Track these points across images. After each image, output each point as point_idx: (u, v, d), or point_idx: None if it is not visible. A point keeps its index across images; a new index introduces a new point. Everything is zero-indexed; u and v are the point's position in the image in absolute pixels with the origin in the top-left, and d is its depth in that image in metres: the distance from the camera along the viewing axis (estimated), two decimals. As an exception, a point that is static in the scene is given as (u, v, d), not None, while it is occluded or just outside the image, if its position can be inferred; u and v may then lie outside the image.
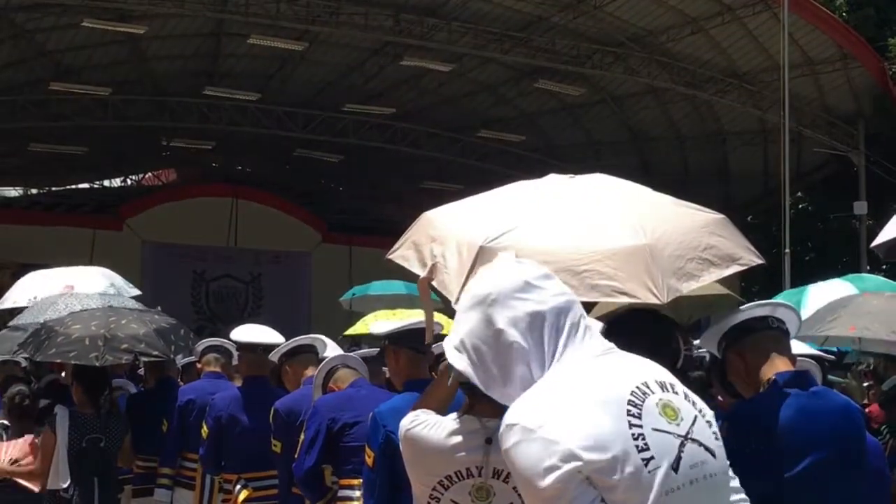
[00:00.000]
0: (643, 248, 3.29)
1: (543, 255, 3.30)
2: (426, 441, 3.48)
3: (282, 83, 28.55)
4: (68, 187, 36.68)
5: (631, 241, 3.33)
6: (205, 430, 7.59)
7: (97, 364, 7.14)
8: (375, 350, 7.14)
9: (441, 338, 6.38)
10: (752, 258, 3.65)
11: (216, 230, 29.99)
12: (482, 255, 3.29)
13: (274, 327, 7.91)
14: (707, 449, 2.54)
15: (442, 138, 31.13)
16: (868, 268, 24.99)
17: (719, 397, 5.43)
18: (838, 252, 31.14)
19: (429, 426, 3.53)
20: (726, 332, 3.82)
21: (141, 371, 10.47)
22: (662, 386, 2.58)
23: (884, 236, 5.56)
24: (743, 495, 2.80)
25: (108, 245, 27.94)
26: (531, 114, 30.52)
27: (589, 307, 4.06)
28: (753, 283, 30.74)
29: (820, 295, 9.51)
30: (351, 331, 12.30)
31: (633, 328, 3.46)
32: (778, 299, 10.02)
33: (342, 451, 5.95)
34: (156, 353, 7.57)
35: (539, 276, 2.71)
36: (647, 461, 2.39)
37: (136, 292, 10.25)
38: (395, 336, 5.37)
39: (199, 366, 9.34)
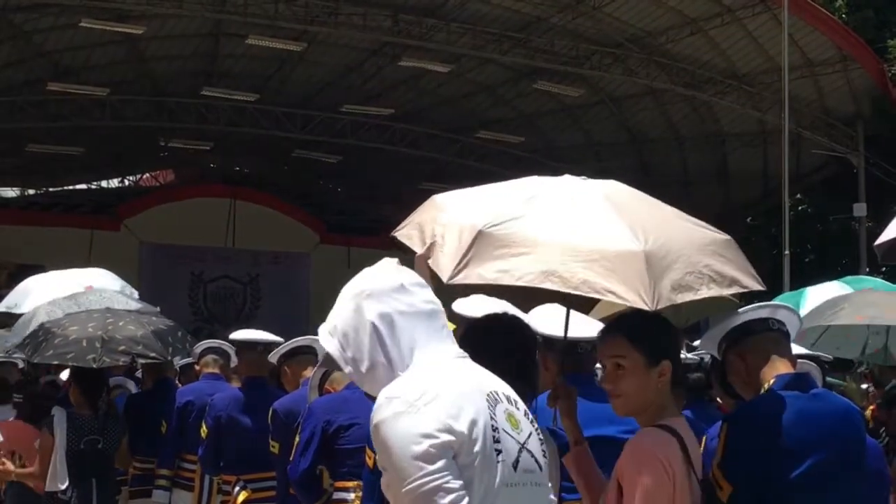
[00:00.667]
0: (639, 254, 3.30)
1: (541, 247, 3.33)
2: None
3: (280, 84, 28.55)
4: (66, 188, 36.66)
5: (629, 246, 3.34)
6: (204, 430, 7.60)
7: (94, 366, 7.13)
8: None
9: None
10: (752, 283, 3.66)
11: (214, 231, 29.98)
12: (480, 239, 3.35)
13: (272, 328, 7.90)
14: (536, 461, 2.89)
15: (441, 139, 31.13)
16: (867, 269, 24.99)
17: (718, 399, 5.44)
18: (838, 253, 31.16)
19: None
20: (727, 333, 3.82)
21: (139, 373, 10.46)
22: (508, 399, 2.93)
23: (886, 235, 5.56)
24: None
25: (106, 245, 27.94)
26: (530, 115, 30.51)
27: (588, 307, 4.06)
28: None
29: (818, 297, 9.54)
30: None
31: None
32: (776, 301, 10.05)
33: (338, 453, 5.94)
34: (153, 354, 7.55)
35: (413, 283, 3.01)
36: (498, 452, 2.75)
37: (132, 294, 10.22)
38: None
39: (197, 367, 9.34)
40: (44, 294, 9.31)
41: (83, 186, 37.35)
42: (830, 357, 9.21)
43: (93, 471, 7.25)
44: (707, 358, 5.33)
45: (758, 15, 23.66)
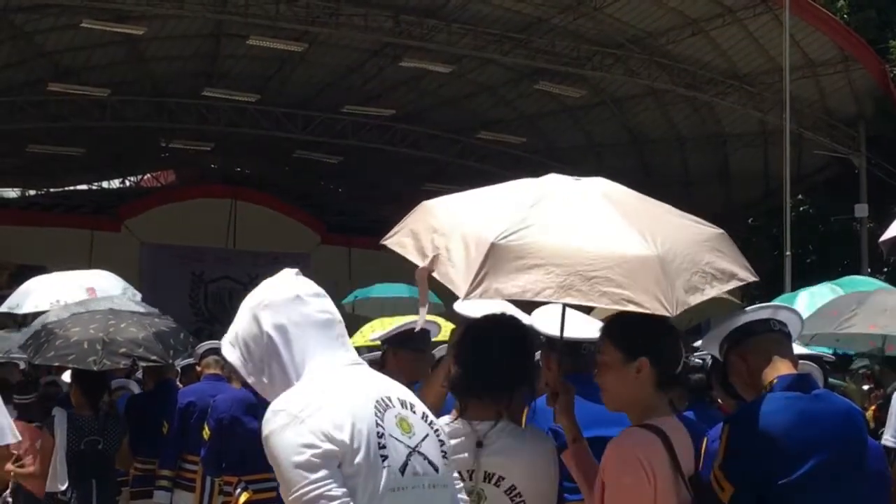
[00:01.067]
0: (654, 259, 3.28)
1: (556, 258, 3.31)
2: None
3: (281, 84, 28.56)
4: (66, 188, 36.69)
5: (641, 251, 3.32)
6: (207, 431, 7.59)
7: (95, 368, 7.13)
8: (377, 354, 7.14)
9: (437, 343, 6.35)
10: (747, 275, 3.68)
11: (215, 231, 30.00)
12: (493, 252, 3.30)
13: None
14: (431, 463, 3.00)
15: (442, 140, 31.13)
16: (869, 270, 25.01)
17: (719, 400, 5.43)
18: (839, 254, 31.16)
19: None
20: (728, 334, 3.82)
21: (138, 374, 10.46)
22: (403, 403, 3.04)
23: (891, 232, 5.56)
24: None
25: (107, 246, 27.97)
26: (531, 115, 30.52)
27: (590, 307, 4.05)
28: (754, 287, 30.73)
29: (807, 301, 9.57)
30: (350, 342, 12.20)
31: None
32: (781, 298, 10.01)
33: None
34: (154, 357, 7.55)
35: (310, 294, 3.19)
36: (384, 458, 2.85)
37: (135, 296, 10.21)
38: (394, 339, 5.38)
39: (198, 368, 9.35)
40: (45, 295, 9.31)
41: (84, 187, 37.36)
42: (833, 357, 9.22)
43: (93, 471, 7.26)
44: (708, 359, 5.33)
45: (759, 15, 23.65)
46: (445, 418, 3.62)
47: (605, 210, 3.57)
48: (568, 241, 3.38)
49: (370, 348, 10.02)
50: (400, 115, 29.51)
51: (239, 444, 7.42)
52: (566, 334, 4.20)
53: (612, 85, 28.03)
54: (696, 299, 3.38)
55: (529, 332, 3.81)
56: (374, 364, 6.94)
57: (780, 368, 3.69)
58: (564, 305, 4.02)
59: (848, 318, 7.52)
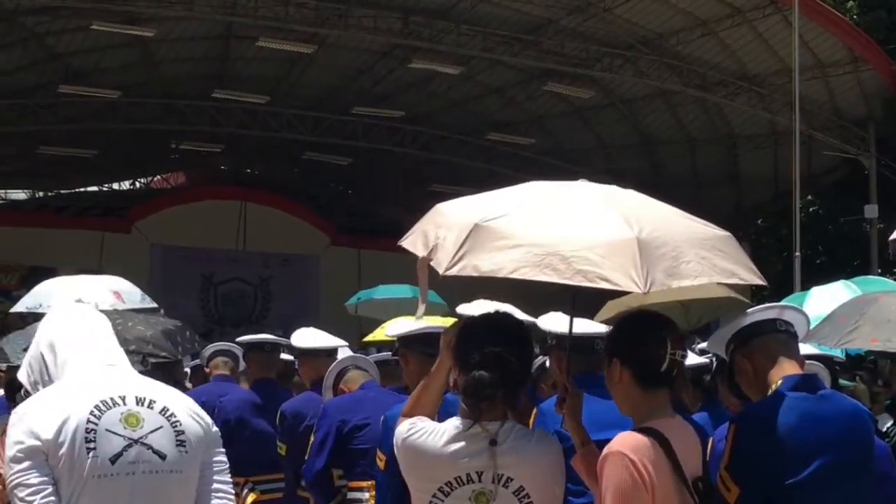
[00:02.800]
0: (632, 240, 3.31)
1: (536, 239, 3.35)
2: (426, 448, 3.51)
3: (291, 86, 28.57)
4: (77, 190, 36.77)
5: (621, 233, 3.35)
6: (214, 432, 7.58)
7: None
8: (389, 353, 7.15)
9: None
10: (751, 277, 3.65)
11: (225, 233, 30.03)
12: (475, 232, 3.40)
13: (282, 330, 7.92)
14: (156, 452, 3.44)
15: (451, 141, 31.11)
16: (879, 271, 24.96)
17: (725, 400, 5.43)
18: (849, 255, 31.10)
19: (427, 433, 3.54)
20: (734, 334, 3.81)
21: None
22: (139, 401, 3.53)
23: None
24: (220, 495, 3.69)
25: (117, 248, 28.03)
26: (540, 117, 30.50)
27: (593, 312, 4.06)
28: (764, 287, 30.69)
29: (821, 298, 9.45)
30: (370, 337, 12.16)
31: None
32: (783, 302, 9.99)
33: (352, 453, 5.97)
34: (164, 354, 7.53)
35: (79, 318, 3.82)
36: (90, 450, 3.33)
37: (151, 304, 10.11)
38: (407, 339, 5.39)
39: (207, 370, 9.36)
40: (69, 296, 9.25)
41: (94, 189, 37.42)
42: (843, 358, 9.19)
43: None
44: (715, 359, 5.33)
45: (768, 16, 23.61)
46: (454, 420, 3.61)
47: (597, 202, 3.60)
48: (550, 225, 3.44)
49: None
50: (409, 117, 29.51)
51: (246, 444, 7.43)
52: (577, 331, 4.22)
53: (621, 86, 28.01)
54: (680, 283, 3.37)
55: (518, 327, 3.79)
56: (384, 363, 6.99)
57: (786, 368, 3.69)
58: (573, 306, 4.03)
59: (851, 330, 7.43)
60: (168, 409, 3.55)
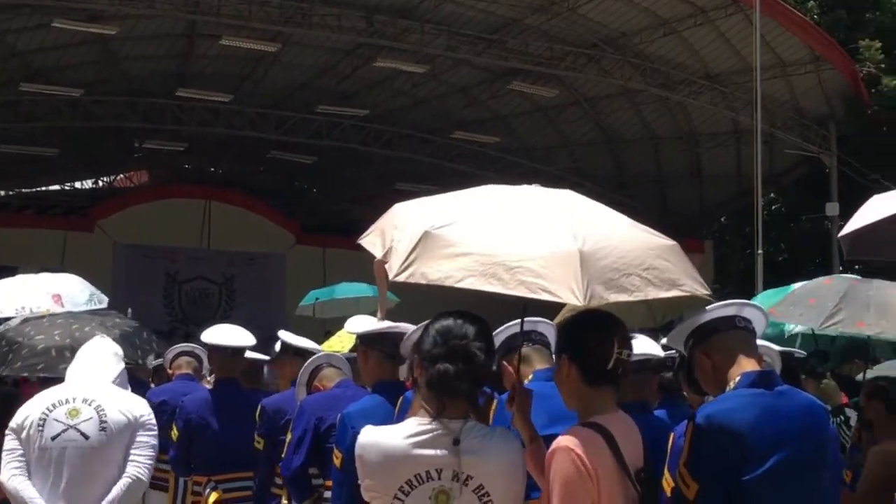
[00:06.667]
0: (575, 253, 3.38)
1: (483, 248, 3.42)
2: (387, 447, 3.48)
3: (255, 84, 28.46)
4: (39, 189, 36.45)
5: (565, 246, 3.43)
6: (175, 432, 7.56)
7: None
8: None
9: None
10: (696, 287, 3.70)
11: (189, 232, 29.85)
12: (425, 239, 3.48)
13: (247, 329, 7.87)
14: (83, 434, 5.34)
15: (415, 139, 31.08)
16: (840, 268, 25.12)
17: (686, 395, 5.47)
18: (811, 253, 31.32)
19: (388, 432, 3.53)
20: (693, 330, 3.84)
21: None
22: (84, 400, 5.46)
23: (850, 227, 5.61)
24: (133, 466, 5.53)
25: (80, 247, 27.77)
26: (505, 115, 30.55)
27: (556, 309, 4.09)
28: (727, 284, 30.89)
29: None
30: (325, 345, 11.99)
31: None
32: (758, 298, 10.02)
33: (328, 452, 5.96)
34: (126, 359, 7.47)
35: (87, 348, 5.95)
36: (41, 431, 5.34)
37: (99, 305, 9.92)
38: (368, 337, 5.40)
39: (169, 371, 9.32)
40: (9, 300, 9.11)
41: (56, 187, 37.12)
42: (804, 353, 9.26)
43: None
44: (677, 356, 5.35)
45: (730, 16, 23.76)
46: (414, 418, 3.58)
47: (546, 212, 3.67)
48: (497, 235, 3.50)
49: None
50: (374, 116, 29.46)
51: (207, 443, 7.41)
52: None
53: (585, 85, 28.08)
54: (618, 297, 3.44)
55: (489, 327, 3.83)
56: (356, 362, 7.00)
57: (745, 365, 3.72)
58: (524, 307, 4.08)
59: (833, 313, 7.48)
60: (101, 406, 5.45)
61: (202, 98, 27.44)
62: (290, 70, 27.71)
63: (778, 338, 8.49)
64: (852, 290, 7.72)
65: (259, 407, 7.06)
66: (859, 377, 9.01)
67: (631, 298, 3.47)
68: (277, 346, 7.89)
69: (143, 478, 5.49)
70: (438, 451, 3.46)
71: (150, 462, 5.50)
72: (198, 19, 23.22)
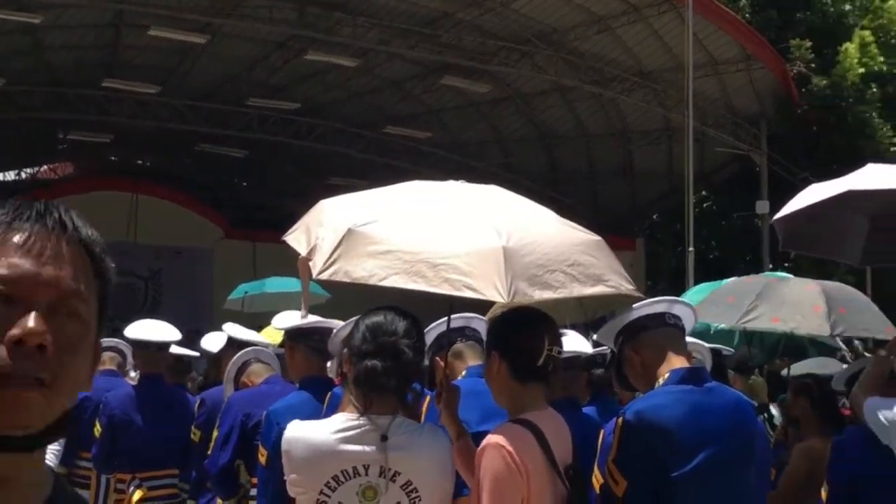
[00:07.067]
0: (498, 249, 3.41)
1: (407, 246, 3.46)
2: (314, 442, 3.49)
3: (184, 76, 28.17)
4: (-39, 180, 35.92)
5: (488, 242, 3.46)
6: (98, 428, 7.44)
7: None
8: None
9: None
10: (621, 282, 3.77)
11: (115, 225, 29.35)
12: (348, 237, 3.51)
13: (173, 324, 7.76)
14: None
15: (348, 134, 31.00)
16: (770, 266, 25.43)
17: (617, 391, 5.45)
18: (741, 250, 31.71)
19: (315, 427, 3.55)
20: (623, 327, 3.86)
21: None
22: None
23: (784, 211, 5.65)
24: None
25: (3, 240, 27.28)
26: (438, 110, 30.57)
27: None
28: (659, 282, 31.18)
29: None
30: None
31: None
32: (689, 294, 10.09)
33: (255, 449, 5.87)
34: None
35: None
36: None
37: None
38: (294, 333, 5.41)
39: (93, 366, 9.13)
40: None
41: (-22, 179, 36.62)
42: (731, 350, 9.35)
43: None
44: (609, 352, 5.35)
45: (663, 14, 23.94)
46: (341, 414, 3.57)
47: (471, 208, 3.72)
48: (421, 232, 3.55)
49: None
50: (305, 109, 29.33)
51: (132, 440, 7.31)
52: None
53: (518, 80, 28.16)
54: (542, 294, 3.46)
55: (420, 324, 3.82)
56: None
57: (674, 362, 3.79)
58: (451, 305, 4.09)
59: (750, 309, 7.62)
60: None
61: (129, 89, 27.06)
62: (220, 62, 27.46)
63: (704, 333, 8.54)
64: (769, 288, 7.91)
65: (199, 399, 7.06)
66: (784, 373, 9.15)
67: (556, 295, 3.50)
68: (204, 341, 7.79)
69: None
70: (366, 447, 3.47)
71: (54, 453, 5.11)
72: (125, 9, 22.87)
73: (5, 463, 1.37)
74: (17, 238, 1.47)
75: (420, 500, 3.50)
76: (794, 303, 7.52)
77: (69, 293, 1.48)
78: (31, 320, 1.40)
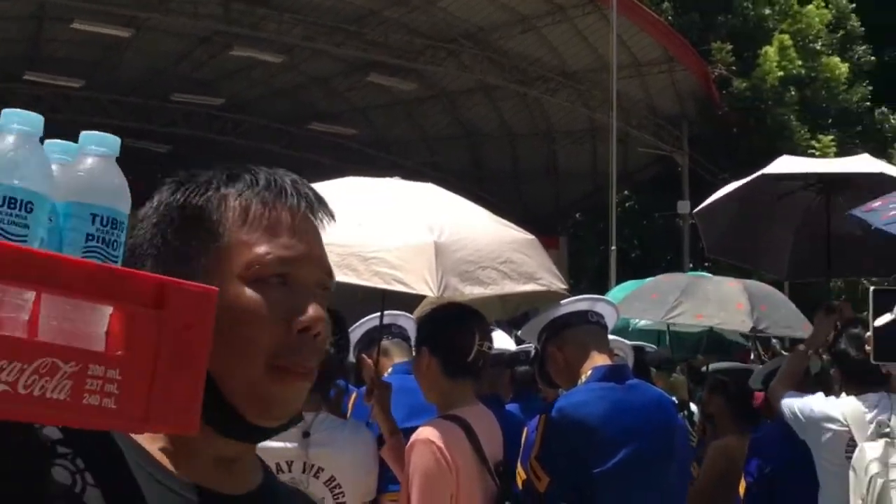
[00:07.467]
0: (430, 245, 3.42)
1: (338, 240, 3.37)
2: None
3: (108, 71, 27.74)
4: None
5: (420, 238, 3.45)
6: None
7: None
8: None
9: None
10: (552, 281, 3.76)
11: (36, 220, 29.02)
12: None
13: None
14: None
15: (272, 130, 30.81)
16: (691, 265, 25.68)
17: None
18: (662, 249, 31.94)
19: None
20: (546, 324, 3.86)
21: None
22: None
23: (705, 203, 5.79)
24: None
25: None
26: (363, 108, 30.44)
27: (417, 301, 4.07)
28: (581, 280, 31.31)
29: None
30: None
31: None
32: (613, 292, 10.19)
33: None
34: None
35: None
36: None
37: None
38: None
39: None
40: None
41: None
42: (654, 347, 9.45)
43: None
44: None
45: (588, 14, 24.07)
46: None
47: (403, 201, 3.73)
48: (354, 225, 3.49)
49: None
50: (230, 105, 29.08)
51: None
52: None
53: (444, 79, 28.14)
54: (473, 290, 3.49)
55: (344, 319, 3.82)
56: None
57: (596, 360, 3.78)
58: (383, 300, 4.07)
59: (673, 306, 7.74)
60: None
61: (52, 83, 26.66)
62: (144, 56, 27.08)
63: (624, 330, 8.66)
64: (692, 285, 8.04)
65: None
66: (704, 369, 9.26)
67: (487, 292, 3.49)
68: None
69: None
70: (288, 444, 3.44)
71: None
72: (48, 1, 22.52)
73: (238, 445, 1.34)
74: (285, 216, 1.43)
75: (343, 495, 3.48)
76: (717, 300, 7.65)
77: (329, 273, 1.47)
78: (312, 307, 1.38)
